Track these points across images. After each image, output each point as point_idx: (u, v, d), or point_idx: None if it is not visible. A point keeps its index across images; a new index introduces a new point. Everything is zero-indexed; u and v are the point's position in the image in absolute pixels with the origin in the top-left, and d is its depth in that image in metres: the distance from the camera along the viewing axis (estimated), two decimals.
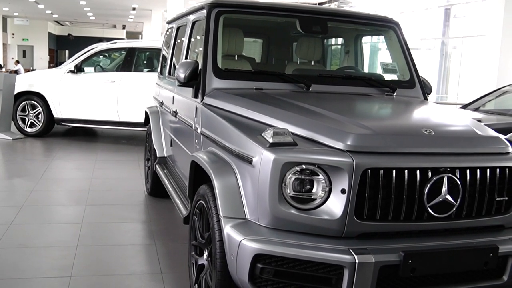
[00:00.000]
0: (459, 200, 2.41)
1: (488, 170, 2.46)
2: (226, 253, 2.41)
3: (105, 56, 10.57)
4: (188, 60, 3.58)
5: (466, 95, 15.16)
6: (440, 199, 2.37)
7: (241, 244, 2.29)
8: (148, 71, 9.32)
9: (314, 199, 2.30)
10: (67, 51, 43.97)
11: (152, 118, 5.30)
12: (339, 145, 2.35)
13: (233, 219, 2.42)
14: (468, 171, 2.42)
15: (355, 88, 3.58)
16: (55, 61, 42.51)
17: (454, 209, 2.41)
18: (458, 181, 2.39)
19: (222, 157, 2.74)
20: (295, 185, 2.30)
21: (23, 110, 9.37)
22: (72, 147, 8.69)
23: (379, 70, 4.10)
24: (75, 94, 9.06)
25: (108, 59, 10.66)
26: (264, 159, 2.30)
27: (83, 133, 10.11)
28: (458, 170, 2.41)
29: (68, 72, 9.17)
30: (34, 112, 9.30)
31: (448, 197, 2.37)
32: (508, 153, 2.59)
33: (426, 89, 3.82)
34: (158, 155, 4.96)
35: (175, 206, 3.75)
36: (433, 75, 17.21)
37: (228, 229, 2.38)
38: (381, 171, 2.29)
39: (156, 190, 5.42)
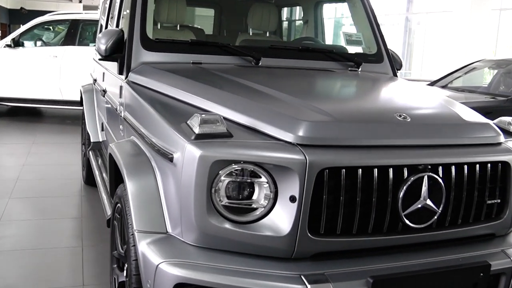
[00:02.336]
0: (442, 205, 1.89)
1: (477, 166, 1.95)
2: (142, 278, 1.84)
3: (48, 30, 9.71)
4: (112, 28, 2.94)
5: (430, 71, 14.87)
6: (419, 206, 1.85)
7: (159, 269, 1.72)
8: (94, 45, 8.55)
9: (255, 209, 1.75)
10: (21, 25, 41.94)
11: (86, 97, 4.65)
12: (288, 137, 1.79)
13: (150, 234, 1.84)
14: (453, 168, 1.90)
15: (313, 63, 3.02)
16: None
17: (436, 216, 1.90)
18: (441, 181, 1.88)
19: (143, 150, 2.15)
20: (229, 190, 1.74)
21: None
22: (9, 128, 7.90)
23: (343, 42, 3.55)
24: (12, 70, 8.25)
25: (52, 33, 9.81)
26: (188, 155, 1.73)
27: (25, 113, 9.28)
28: (441, 168, 1.89)
29: (4, 47, 8.33)
30: None
31: (429, 202, 1.86)
32: (499, 143, 2.08)
33: (395, 64, 3.29)
34: (92, 140, 4.32)
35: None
36: (397, 52, 16.79)
37: (143, 247, 1.81)
38: (343, 171, 1.75)
39: (93, 178, 4.78)
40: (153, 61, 2.74)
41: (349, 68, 3.05)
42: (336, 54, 3.08)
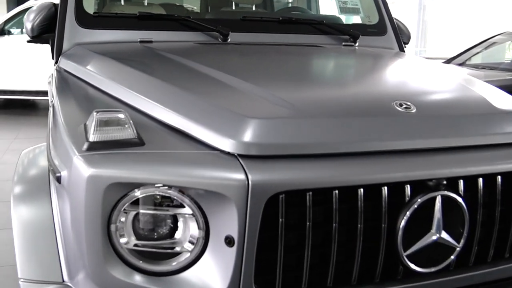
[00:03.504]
0: (463, 238, 1.30)
1: None
2: None
3: None
4: (43, 2, 2.36)
5: (447, 49, 14.10)
6: (429, 241, 1.26)
7: None
8: None
9: (177, 255, 1.18)
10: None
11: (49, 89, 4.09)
12: (226, 145, 1.21)
13: (39, 284, 1.27)
14: (481, 181, 1.30)
15: (298, 37, 2.40)
16: None
17: (455, 255, 1.30)
18: (462, 203, 1.28)
19: (44, 165, 1.58)
20: (138, 227, 1.16)
21: None
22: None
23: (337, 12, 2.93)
24: None
25: None
26: (74, 175, 1.16)
27: (14, 106, 8.77)
28: (462, 182, 1.29)
29: None
30: None
31: (445, 235, 1.26)
32: None
33: (402, 37, 2.66)
34: None
35: None
36: (411, 30, 16.03)
37: None
38: (309, 196, 1.16)
39: None
40: (91, 41, 2.16)
41: (343, 43, 2.44)
42: (326, 26, 2.46)
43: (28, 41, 2.31)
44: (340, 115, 1.32)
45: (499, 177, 1.32)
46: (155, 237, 1.17)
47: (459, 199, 1.27)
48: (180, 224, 1.17)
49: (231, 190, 1.11)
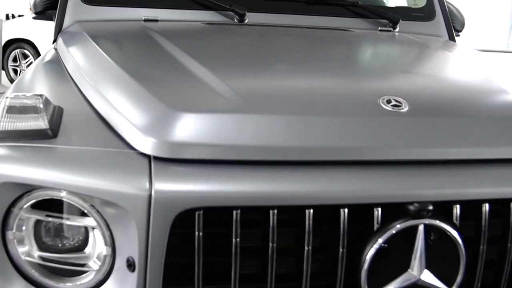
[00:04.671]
0: (458, 282, 1.00)
1: None
2: None
3: None
4: None
5: None
6: (406, 283, 0.97)
7: None
8: None
9: (83, 273, 0.96)
10: None
11: None
12: (141, 144, 0.98)
13: None
14: (486, 208, 0.99)
15: (328, 20, 2.10)
16: None
17: None
18: (456, 236, 0.98)
19: None
20: (39, 235, 0.96)
21: (15, 59, 8.38)
22: None
23: None
24: None
25: None
26: None
27: None
28: (457, 209, 0.99)
29: None
30: (26, 62, 8.29)
31: (427, 276, 0.96)
32: None
33: (455, 23, 2.29)
34: None
35: None
36: (504, 19, 14.90)
37: None
38: (236, 215, 0.92)
39: None
40: (93, 18, 1.98)
41: (380, 28, 2.12)
42: (361, 8, 2.14)
43: (33, 18, 2.17)
44: (295, 112, 1.03)
45: None
46: (61, 249, 0.96)
47: (452, 231, 0.97)
48: (90, 236, 0.95)
49: (129, 202, 0.89)
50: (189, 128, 0.96)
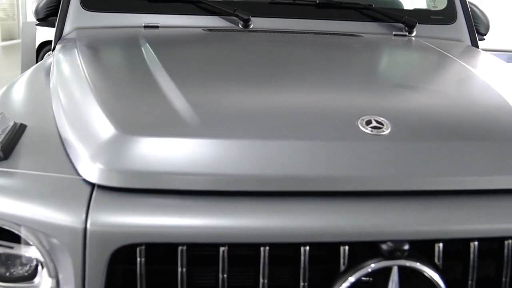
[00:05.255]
0: None
1: None
2: None
3: None
4: None
5: None
6: None
7: None
8: None
9: None
10: None
11: None
12: (85, 170, 0.90)
13: None
14: (474, 248, 0.87)
15: (340, 24, 1.98)
16: None
17: None
18: (438, 280, 0.86)
19: None
20: None
21: None
22: None
23: None
24: None
25: None
26: None
27: None
28: (441, 246, 0.87)
29: None
30: None
31: None
32: None
33: (479, 26, 2.14)
34: None
35: None
36: None
37: None
38: (182, 251, 0.83)
39: None
40: (93, 25, 1.92)
41: (394, 33, 1.99)
42: (374, 11, 2.01)
43: (37, 25, 2.13)
44: (254, 136, 0.92)
45: (509, 242, 0.87)
46: (9, 278, 0.89)
47: (432, 273, 0.84)
48: (39, 266, 0.88)
49: (64, 235, 0.81)
50: (138, 154, 0.87)
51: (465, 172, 0.91)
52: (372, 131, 0.94)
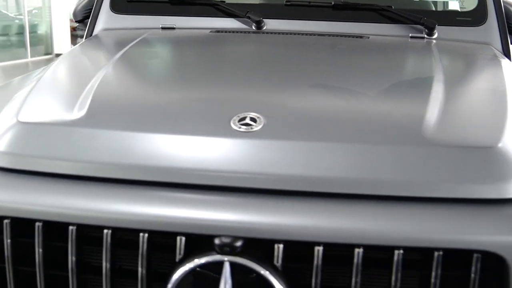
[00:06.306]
0: None
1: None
2: None
3: None
4: None
5: None
6: None
7: None
8: None
9: None
10: None
11: None
12: None
13: None
14: (318, 255, 0.86)
15: (356, 26, 1.94)
16: None
17: None
18: (274, 282, 0.86)
19: None
20: None
21: None
22: None
23: None
24: None
25: None
26: None
27: None
28: (280, 249, 0.87)
29: None
30: None
31: None
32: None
33: None
34: None
35: None
36: None
37: None
38: (38, 228, 0.93)
39: None
40: (119, 26, 2.07)
41: (411, 35, 1.90)
42: (393, 13, 1.94)
43: (75, 28, 2.33)
44: (131, 128, 0.99)
45: (359, 250, 0.83)
46: None
47: (268, 274, 0.84)
48: None
49: None
50: (18, 137, 1.01)
51: (321, 173, 0.89)
52: (240, 128, 0.97)
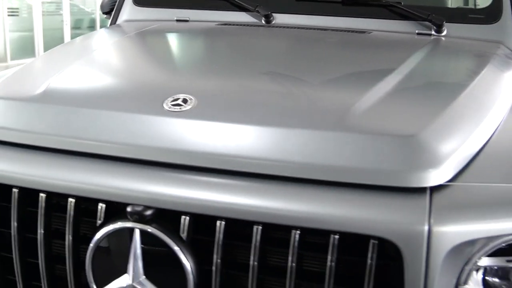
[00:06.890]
0: None
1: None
2: None
3: None
4: None
5: None
6: (124, 286, 0.94)
7: None
8: None
9: None
10: None
11: None
12: None
13: None
14: (221, 226, 0.92)
15: (363, 22, 1.93)
16: None
17: None
18: (178, 251, 0.92)
19: None
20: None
21: None
22: None
23: None
24: None
25: None
26: None
27: None
28: (186, 220, 0.93)
29: None
30: None
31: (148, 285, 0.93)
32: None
33: None
34: None
35: None
36: None
37: None
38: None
39: None
40: (139, 18, 2.18)
41: (417, 31, 1.87)
42: (400, 9, 1.91)
43: (106, 17, 2.46)
44: (75, 104, 1.09)
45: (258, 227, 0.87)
46: None
47: (172, 243, 0.90)
48: None
49: None
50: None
51: (246, 154, 0.94)
52: (170, 108, 1.02)
